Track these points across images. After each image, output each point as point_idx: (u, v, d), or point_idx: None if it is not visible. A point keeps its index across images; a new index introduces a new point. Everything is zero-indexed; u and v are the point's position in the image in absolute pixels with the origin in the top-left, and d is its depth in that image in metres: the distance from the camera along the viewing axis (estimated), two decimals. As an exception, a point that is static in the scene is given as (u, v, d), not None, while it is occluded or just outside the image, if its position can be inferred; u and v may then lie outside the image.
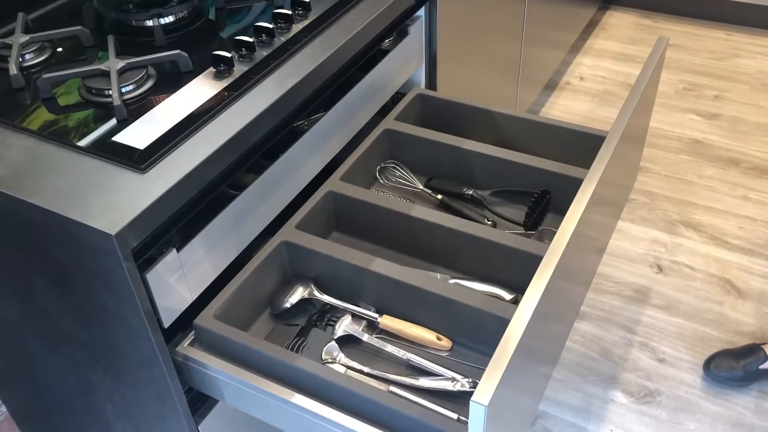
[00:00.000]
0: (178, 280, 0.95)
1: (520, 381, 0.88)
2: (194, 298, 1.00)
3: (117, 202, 0.85)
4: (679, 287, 1.91)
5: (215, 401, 1.11)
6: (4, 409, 1.46)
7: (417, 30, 1.41)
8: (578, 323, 1.83)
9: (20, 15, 1.19)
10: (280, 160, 1.09)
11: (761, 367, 1.62)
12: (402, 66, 1.39)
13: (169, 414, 1.05)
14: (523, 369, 0.88)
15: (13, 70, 1.06)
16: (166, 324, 0.95)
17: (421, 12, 1.44)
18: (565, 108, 2.60)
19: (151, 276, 0.89)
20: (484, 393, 0.72)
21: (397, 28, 1.39)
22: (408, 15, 1.41)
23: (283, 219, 1.14)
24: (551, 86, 2.71)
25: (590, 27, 3.05)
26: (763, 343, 1.66)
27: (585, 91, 2.68)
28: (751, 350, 1.65)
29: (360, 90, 1.26)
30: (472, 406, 0.73)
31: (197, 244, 0.96)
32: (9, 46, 1.11)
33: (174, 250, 0.92)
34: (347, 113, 1.24)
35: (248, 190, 1.04)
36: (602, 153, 1.04)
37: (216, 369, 0.99)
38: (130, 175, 0.89)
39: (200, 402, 1.09)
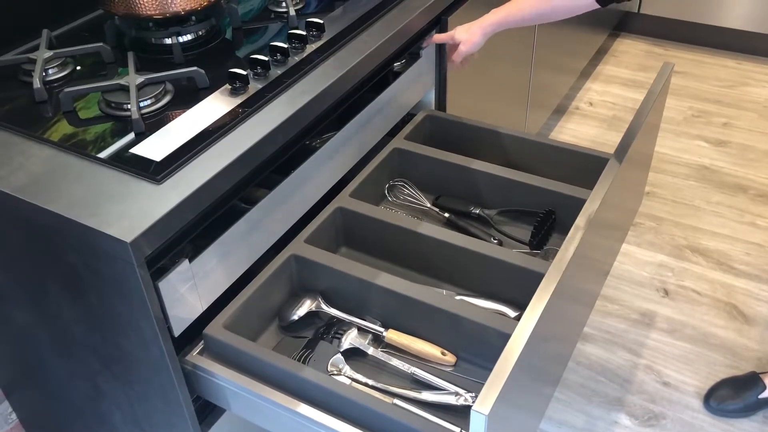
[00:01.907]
0: (189, 290, 0.97)
1: (521, 395, 0.90)
2: (204, 308, 1.02)
3: (133, 211, 0.88)
4: (685, 312, 1.92)
5: (222, 410, 1.13)
6: (14, 416, 1.48)
7: (429, 53, 1.45)
8: (584, 345, 1.83)
9: (44, 32, 1.24)
10: (293, 175, 1.12)
11: (760, 397, 1.62)
12: (413, 88, 1.43)
13: (177, 422, 1.07)
14: (524, 383, 0.89)
15: (37, 83, 1.10)
16: (177, 332, 0.98)
17: (432, 35, 1.48)
18: (574, 132, 2.62)
19: (164, 285, 0.92)
20: (484, 403, 0.74)
21: (409, 51, 1.43)
22: (419, 37, 1.45)
23: (292, 233, 1.16)
24: (561, 111, 2.74)
25: (600, 53, 3.09)
26: (763, 373, 1.66)
27: (594, 116, 2.71)
28: (750, 380, 1.65)
29: (372, 110, 1.29)
30: (473, 416, 0.74)
31: (209, 255, 0.99)
32: (33, 61, 1.15)
33: (186, 261, 0.95)
34: (359, 132, 1.27)
35: (260, 204, 1.07)
36: (605, 175, 1.06)
37: (224, 378, 1.01)
38: (146, 186, 0.92)
39: (207, 411, 1.11)
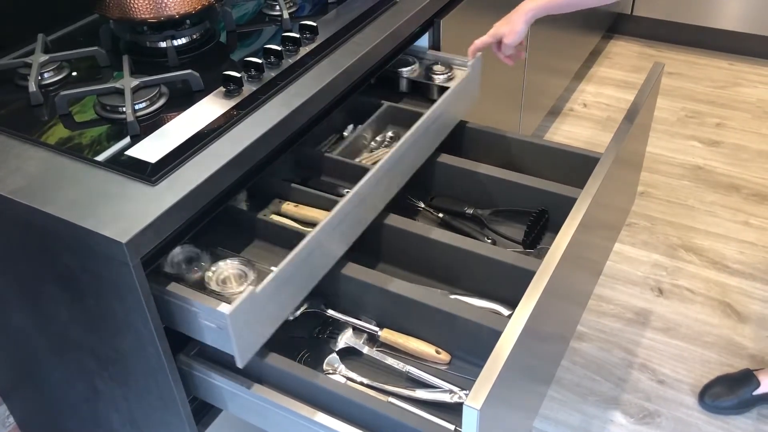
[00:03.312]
0: (251, 322, 0.95)
1: (513, 391, 0.91)
2: (266, 338, 1.00)
3: (128, 212, 0.88)
4: (680, 310, 1.93)
5: (219, 410, 1.13)
6: (12, 420, 1.49)
7: (475, 65, 1.41)
8: (578, 344, 1.85)
9: (40, 36, 1.25)
10: (351, 196, 1.07)
11: (755, 393, 1.63)
12: (461, 101, 1.38)
13: (174, 422, 1.08)
14: (516, 380, 0.90)
15: (33, 87, 1.11)
16: (242, 364, 0.96)
17: (426, 38, 1.49)
18: (568, 134, 2.64)
19: (233, 317, 0.90)
20: (476, 398, 0.75)
21: (402, 51, 1.44)
22: (413, 40, 1.46)
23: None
24: (555, 112, 2.75)
25: (594, 55, 3.11)
26: (757, 370, 1.67)
27: (588, 118, 2.73)
28: (744, 378, 1.66)
29: (423, 126, 1.23)
30: (465, 411, 0.75)
31: (272, 285, 0.96)
32: (29, 65, 1.16)
33: (252, 288, 0.93)
34: (411, 149, 1.21)
35: (322, 227, 1.02)
36: (595, 174, 1.07)
37: (220, 378, 1.02)
38: (141, 188, 0.93)
39: (204, 411, 1.12)
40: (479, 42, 1.35)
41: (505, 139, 1.40)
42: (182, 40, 1.25)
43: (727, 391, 1.66)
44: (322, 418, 0.97)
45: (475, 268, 1.17)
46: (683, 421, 1.65)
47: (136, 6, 1.18)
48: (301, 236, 1.04)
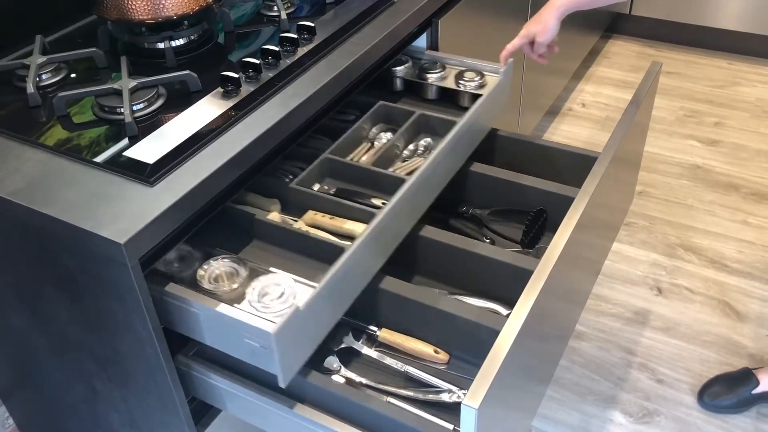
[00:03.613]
0: (299, 340, 0.94)
1: (511, 391, 0.91)
2: (308, 356, 0.98)
3: (126, 213, 0.89)
4: (679, 310, 1.93)
5: (218, 411, 1.13)
6: (11, 421, 1.49)
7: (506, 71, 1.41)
8: (578, 344, 1.85)
9: (38, 37, 1.25)
10: (389, 208, 1.05)
11: (754, 392, 1.63)
12: (493, 109, 1.37)
13: (173, 422, 1.08)
14: (514, 379, 0.90)
15: (31, 88, 1.11)
16: (283, 384, 0.95)
17: (423, 38, 1.49)
18: (567, 134, 2.64)
19: (278, 335, 0.88)
20: (474, 397, 0.75)
21: (400, 52, 1.44)
22: (411, 40, 1.46)
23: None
24: (554, 112, 2.75)
25: (592, 55, 3.11)
26: (756, 368, 1.67)
27: (587, 118, 2.73)
28: (743, 376, 1.66)
29: (458, 135, 1.22)
30: (463, 410, 0.75)
31: (315, 302, 0.94)
32: (27, 67, 1.16)
33: (297, 306, 0.90)
34: (446, 159, 1.20)
35: (362, 241, 1.00)
36: (593, 173, 1.07)
37: (219, 379, 1.02)
38: (139, 188, 0.93)
39: (203, 411, 1.12)
40: (511, 46, 1.34)
41: (503, 138, 1.40)
42: (180, 41, 1.25)
43: (726, 390, 1.66)
44: (320, 418, 0.97)
45: (474, 267, 1.17)
46: (682, 420, 1.65)
47: (134, 7, 1.18)
48: (339, 250, 1.03)
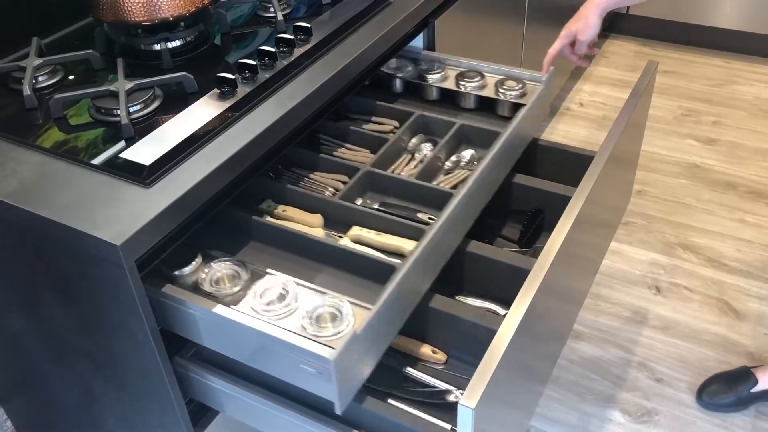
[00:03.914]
0: (355, 364, 0.91)
1: (508, 390, 0.91)
2: (365, 377, 0.96)
3: (123, 214, 0.89)
4: (677, 309, 1.93)
5: (216, 412, 1.13)
6: (9, 423, 1.49)
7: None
8: (576, 343, 1.85)
9: (34, 40, 1.25)
10: (440, 225, 1.02)
11: (752, 391, 1.63)
12: (534, 118, 1.34)
13: (171, 425, 1.08)
14: (511, 378, 0.90)
15: (27, 91, 1.11)
16: (340, 410, 0.92)
17: (420, 39, 1.49)
18: (565, 133, 2.64)
19: (338, 361, 0.85)
20: (471, 397, 0.75)
21: (397, 53, 1.44)
22: (407, 40, 1.46)
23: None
24: (551, 112, 2.75)
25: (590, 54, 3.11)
26: (754, 367, 1.67)
27: (585, 117, 2.73)
28: (742, 375, 1.66)
29: (504, 147, 1.19)
30: (460, 410, 0.75)
31: (372, 324, 0.91)
32: (23, 69, 1.16)
33: (354, 330, 0.87)
34: (491, 171, 1.18)
35: (415, 260, 0.97)
36: (589, 173, 1.08)
37: (217, 380, 1.02)
38: (135, 190, 0.93)
39: (201, 413, 1.12)
40: (553, 50, 1.33)
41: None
42: (176, 43, 1.25)
43: (725, 389, 1.66)
44: (318, 418, 0.97)
45: (472, 267, 1.17)
46: (681, 419, 1.66)
47: (130, 9, 1.18)
48: (390, 268, 1.01)
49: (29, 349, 1.17)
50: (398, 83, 1.47)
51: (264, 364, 0.94)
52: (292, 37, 1.23)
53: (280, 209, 1.16)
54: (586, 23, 1.27)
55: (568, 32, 1.30)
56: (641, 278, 2.03)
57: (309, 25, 1.26)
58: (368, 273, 1.06)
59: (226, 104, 1.09)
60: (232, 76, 1.11)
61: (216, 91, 1.12)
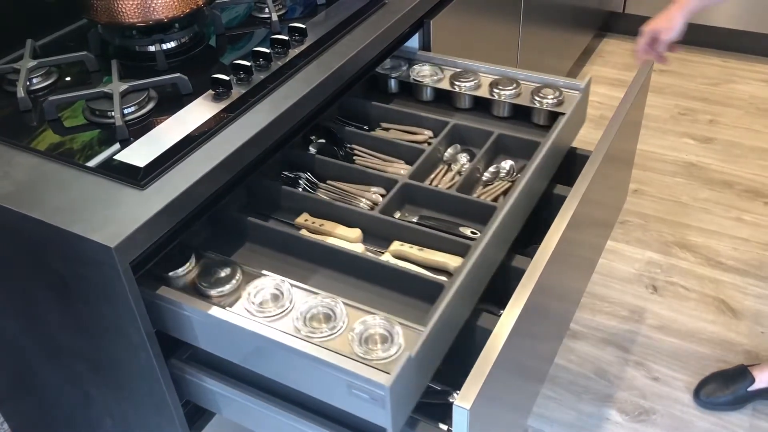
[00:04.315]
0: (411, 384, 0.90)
1: (504, 390, 0.91)
2: (410, 411, 0.93)
3: (117, 216, 0.88)
4: (674, 307, 1.93)
5: (212, 414, 1.13)
6: (6, 426, 1.49)
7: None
8: (573, 342, 1.85)
9: (28, 41, 1.24)
10: (488, 241, 1.01)
11: (750, 389, 1.63)
12: (572, 126, 1.33)
13: (167, 426, 1.08)
14: (507, 378, 0.90)
15: (21, 93, 1.11)
16: None
17: (416, 39, 1.49)
18: (562, 132, 2.64)
19: (394, 390, 0.83)
20: (466, 398, 0.75)
21: (392, 53, 1.44)
22: (403, 41, 1.46)
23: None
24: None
25: (586, 54, 3.11)
26: (751, 365, 1.68)
27: (581, 116, 2.73)
28: (739, 374, 1.66)
29: (545, 156, 1.18)
30: (455, 411, 0.75)
31: (427, 345, 0.88)
32: (17, 71, 1.16)
33: (409, 356, 0.84)
34: (533, 182, 1.16)
35: (462, 281, 0.94)
36: (585, 172, 1.07)
37: (213, 382, 1.02)
38: (130, 192, 0.93)
39: (197, 415, 1.12)
40: (640, 47, 1.32)
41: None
42: (171, 44, 1.25)
43: (722, 388, 1.66)
44: (315, 420, 0.97)
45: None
46: (678, 418, 1.66)
47: (124, 10, 1.18)
48: (437, 286, 0.98)
49: (25, 351, 1.17)
50: (428, 91, 1.44)
51: (300, 383, 0.91)
52: (287, 38, 1.23)
53: (317, 223, 1.13)
54: (671, 24, 1.28)
55: (652, 29, 1.30)
56: (638, 277, 2.03)
57: (304, 26, 1.26)
58: (413, 291, 1.02)
59: (221, 105, 1.08)
60: (226, 78, 1.11)
61: (211, 92, 1.12)
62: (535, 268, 0.92)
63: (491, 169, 1.26)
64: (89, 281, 0.92)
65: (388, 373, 0.81)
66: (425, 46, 1.52)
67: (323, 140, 1.32)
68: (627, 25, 3.22)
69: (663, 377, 1.75)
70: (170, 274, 1.00)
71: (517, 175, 1.24)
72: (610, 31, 3.27)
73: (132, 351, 0.98)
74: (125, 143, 1.01)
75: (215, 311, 0.91)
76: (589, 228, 1.20)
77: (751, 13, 2.87)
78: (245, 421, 1.04)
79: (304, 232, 1.13)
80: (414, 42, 1.50)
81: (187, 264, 1.01)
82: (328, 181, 1.25)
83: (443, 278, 1.01)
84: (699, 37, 3.09)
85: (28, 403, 1.33)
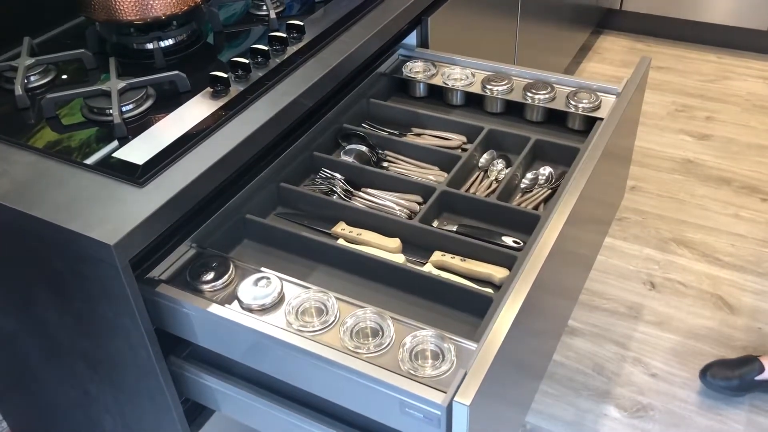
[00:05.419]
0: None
1: (503, 387, 0.91)
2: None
3: (116, 214, 0.88)
4: (672, 304, 1.94)
5: (211, 411, 1.13)
6: (5, 424, 1.49)
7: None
8: (571, 339, 1.85)
9: (26, 39, 1.24)
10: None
11: (757, 378, 1.64)
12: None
13: (166, 424, 1.08)
14: (506, 375, 0.90)
15: (19, 90, 1.10)
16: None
17: (414, 36, 1.49)
18: (559, 129, 2.64)
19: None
20: (465, 394, 0.75)
21: (389, 51, 1.44)
22: (400, 38, 1.46)
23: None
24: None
25: (583, 51, 3.11)
26: (760, 355, 1.68)
27: (579, 113, 2.73)
28: (747, 361, 1.67)
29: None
30: (455, 407, 0.75)
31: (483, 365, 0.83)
32: (15, 69, 1.16)
33: (456, 372, 0.83)
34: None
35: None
36: (582, 169, 1.08)
37: (212, 379, 1.02)
38: (128, 189, 0.93)
39: (197, 412, 1.12)
40: None
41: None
42: (169, 42, 1.25)
43: (730, 371, 1.66)
44: (314, 416, 0.97)
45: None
46: (676, 414, 1.66)
47: (122, 8, 1.18)
48: (486, 299, 0.94)
49: (24, 349, 1.17)
50: (459, 95, 1.41)
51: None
52: (285, 35, 1.23)
53: (354, 232, 1.10)
54: None
55: None
56: (636, 274, 2.03)
57: (302, 23, 1.26)
58: (459, 303, 0.99)
59: (219, 103, 1.08)
60: (225, 75, 1.11)
61: (209, 89, 1.12)
62: (534, 264, 0.92)
63: (529, 175, 1.23)
64: (88, 279, 0.92)
65: (444, 391, 0.78)
66: (423, 43, 1.52)
67: (355, 146, 1.27)
68: (624, 22, 3.22)
69: (661, 373, 1.75)
70: (206, 287, 0.96)
71: (556, 182, 1.21)
72: (607, 28, 3.27)
73: (131, 349, 0.98)
74: (123, 141, 1.01)
75: (215, 308, 0.91)
76: (587, 225, 1.21)
77: (747, 9, 2.87)
78: (244, 418, 1.05)
79: (341, 241, 1.10)
80: (412, 39, 1.50)
81: (227, 276, 0.98)
82: (363, 189, 1.21)
83: (490, 290, 0.98)
84: (694, 34, 3.09)
85: (27, 401, 1.33)
